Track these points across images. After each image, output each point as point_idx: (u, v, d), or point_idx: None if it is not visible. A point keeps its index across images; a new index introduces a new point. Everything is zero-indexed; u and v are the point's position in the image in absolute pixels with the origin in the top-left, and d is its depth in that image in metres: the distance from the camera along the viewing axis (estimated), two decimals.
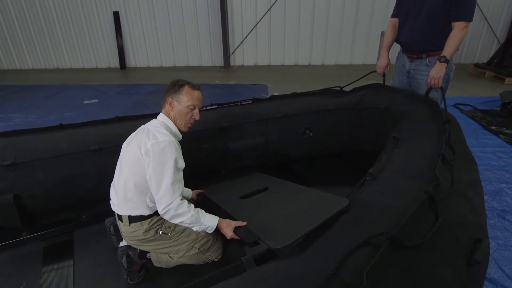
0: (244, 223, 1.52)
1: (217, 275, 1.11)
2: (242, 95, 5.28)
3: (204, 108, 2.40)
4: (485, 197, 1.89)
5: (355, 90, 2.66)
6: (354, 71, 6.63)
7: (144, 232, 1.60)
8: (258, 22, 7.04)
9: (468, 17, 2.12)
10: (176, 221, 1.50)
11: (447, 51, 2.17)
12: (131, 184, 1.55)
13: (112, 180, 1.71)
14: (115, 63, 7.58)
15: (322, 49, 7.28)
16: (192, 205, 1.54)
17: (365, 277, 0.87)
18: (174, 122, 1.69)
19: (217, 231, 1.58)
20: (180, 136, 1.72)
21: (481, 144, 3.40)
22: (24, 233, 2.00)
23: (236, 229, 1.51)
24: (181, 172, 1.57)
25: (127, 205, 1.59)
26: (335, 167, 2.88)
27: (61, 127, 2.14)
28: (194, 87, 1.69)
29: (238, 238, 1.50)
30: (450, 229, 1.20)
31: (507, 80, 5.52)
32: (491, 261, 1.89)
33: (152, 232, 1.62)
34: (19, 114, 4.68)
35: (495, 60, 6.01)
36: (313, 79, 6.25)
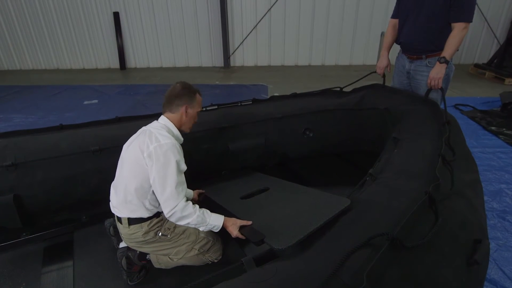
0: (250, 222, 1.52)
1: (217, 276, 1.11)
2: (242, 95, 5.28)
3: (204, 109, 2.41)
4: (485, 198, 1.90)
5: (355, 90, 2.66)
6: (354, 72, 6.63)
7: (144, 234, 1.60)
8: (258, 23, 7.04)
9: (468, 18, 2.12)
10: (182, 223, 1.51)
11: (447, 52, 2.17)
12: (132, 186, 1.55)
13: (112, 180, 1.71)
14: (115, 64, 7.58)
15: (322, 50, 7.28)
16: (197, 206, 1.54)
17: (365, 278, 0.88)
18: (180, 126, 1.70)
19: (219, 231, 1.58)
20: (182, 139, 1.72)
21: (481, 145, 3.40)
22: (24, 234, 2.00)
23: (241, 228, 1.51)
24: (183, 174, 1.58)
25: (126, 207, 1.58)
26: (335, 167, 2.88)
27: (61, 127, 2.14)
28: (200, 93, 1.76)
29: (243, 237, 1.50)
30: (450, 230, 1.20)
31: (507, 80, 5.53)
32: (491, 261, 1.89)
33: (152, 234, 1.62)
34: (19, 115, 4.68)
35: (495, 61, 6.01)
36: (313, 79, 6.26)
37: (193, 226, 1.53)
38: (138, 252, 1.73)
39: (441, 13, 2.17)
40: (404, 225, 1.09)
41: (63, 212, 2.14)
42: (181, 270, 1.76)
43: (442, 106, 2.06)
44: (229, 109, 2.45)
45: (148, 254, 1.75)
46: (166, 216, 1.51)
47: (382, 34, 6.04)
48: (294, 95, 2.72)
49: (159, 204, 1.55)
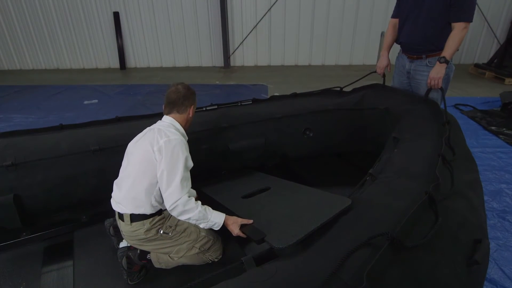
0: (251, 221, 1.53)
1: (217, 276, 1.11)
2: (242, 95, 5.28)
3: (204, 109, 2.41)
4: (485, 198, 1.90)
5: (355, 90, 2.66)
6: (354, 72, 6.63)
7: (146, 231, 1.61)
8: (258, 23, 7.04)
9: (468, 18, 2.12)
10: (183, 217, 1.52)
11: (447, 52, 2.17)
12: (140, 182, 1.57)
13: (112, 180, 1.71)
14: (115, 64, 7.58)
15: (322, 50, 7.28)
16: (200, 202, 1.55)
17: (365, 278, 0.88)
18: (184, 125, 1.76)
19: (219, 230, 1.58)
20: (186, 137, 1.76)
21: (481, 145, 3.40)
22: (24, 234, 2.00)
23: (242, 227, 1.52)
24: (189, 172, 1.61)
25: (131, 202, 1.59)
26: (335, 167, 2.88)
27: (61, 127, 2.14)
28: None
29: (244, 236, 1.51)
30: (450, 230, 1.20)
31: (507, 80, 5.53)
32: (491, 261, 1.89)
33: (153, 231, 1.63)
34: (19, 115, 4.68)
35: (495, 61, 6.01)
36: (313, 79, 6.26)
37: (194, 222, 1.53)
38: (138, 251, 1.73)
39: (441, 13, 2.17)
40: (404, 225, 1.09)
41: (63, 212, 2.14)
42: (181, 270, 1.76)
43: (442, 106, 2.06)
44: (229, 109, 2.45)
45: (149, 254, 1.75)
46: (169, 209, 1.52)
47: (382, 34, 6.04)
48: (294, 95, 2.72)
49: (163, 201, 1.56)
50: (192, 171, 1.64)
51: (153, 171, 1.55)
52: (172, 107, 1.73)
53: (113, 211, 1.70)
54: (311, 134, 2.53)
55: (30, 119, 4.51)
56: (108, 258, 1.89)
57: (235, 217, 1.56)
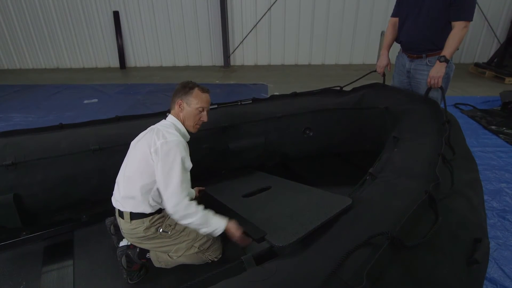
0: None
1: (217, 275, 1.11)
2: (242, 94, 5.28)
3: None
4: (485, 197, 1.90)
5: (355, 90, 2.66)
6: (354, 71, 6.63)
7: (145, 229, 1.61)
8: (258, 22, 7.03)
9: (468, 17, 2.12)
10: (185, 221, 1.52)
11: (447, 51, 2.17)
12: (137, 182, 1.56)
13: (112, 179, 1.71)
14: (115, 63, 7.58)
15: (322, 49, 7.28)
16: (202, 206, 1.55)
17: (365, 277, 0.87)
18: (183, 123, 1.72)
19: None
20: (188, 137, 1.75)
21: (481, 144, 3.40)
22: (24, 233, 2.00)
23: (242, 225, 1.52)
24: (189, 173, 1.60)
25: (129, 202, 1.59)
26: (335, 167, 2.88)
27: (61, 126, 2.14)
28: (204, 89, 1.74)
29: (244, 244, 1.53)
30: (450, 229, 1.20)
31: (507, 79, 5.52)
32: (491, 260, 1.89)
33: (153, 229, 1.63)
34: (19, 114, 4.67)
35: (495, 60, 6.00)
36: (313, 79, 6.25)
37: (195, 226, 1.53)
38: (138, 250, 1.73)
39: (441, 12, 2.16)
40: (404, 224, 1.09)
41: (63, 212, 2.14)
42: (181, 269, 1.76)
43: (442, 105, 2.06)
44: (229, 109, 2.45)
45: (148, 252, 1.75)
46: (170, 212, 1.52)
47: (382, 33, 6.03)
48: (294, 94, 2.72)
49: (162, 201, 1.56)
50: (192, 171, 1.64)
51: (149, 172, 1.54)
52: (170, 104, 1.75)
53: (113, 210, 1.70)
54: (311, 134, 2.53)
55: (30, 118, 4.51)
56: (108, 257, 1.89)
57: (236, 224, 1.56)
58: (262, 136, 2.42)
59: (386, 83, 2.60)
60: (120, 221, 1.67)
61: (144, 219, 1.61)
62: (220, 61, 7.44)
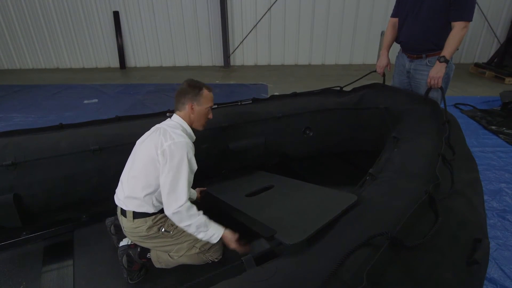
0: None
1: (217, 275, 1.11)
2: (242, 94, 5.28)
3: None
4: (485, 197, 1.89)
5: (355, 90, 2.66)
6: (354, 71, 6.63)
7: (147, 228, 1.62)
8: (258, 22, 7.03)
9: (467, 17, 2.12)
10: (183, 224, 1.52)
11: (446, 51, 2.17)
12: (141, 182, 1.57)
13: (112, 179, 1.72)
14: (115, 63, 7.58)
15: (322, 49, 7.28)
16: (201, 212, 1.56)
17: (365, 277, 0.87)
18: (191, 124, 1.73)
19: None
20: (194, 137, 1.75)
21: (481, 144, 3.40)
22: (24, 233, 2.00)
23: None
24: (193, 174, 1.60)
25: (133, 201, 1.60)
26: (335, 167, 2.87)
27: (61, 126, 2.14)
28: (209, 88, 1.75)
29: (242, 251, 1.56)
30: (450, 229, 1.20)
31: (507, 79, 5.52)
32: (491, 260, 1.89)
33: (155, 229, 1.63)
34: (19, 114, 4.67)
35: (495, 60, 6.01)
36: (313, 79, 6.25)
37: (194, 229, 1.54)
38: (139, 250, 1.73)
39: (441, 12, 2.16)
40: (404, 225, 1.09)
41: (63, 211, 2.14)
42: (181, 269, 1.76)
43: (442, 105, 2.06)
44: (229, 109, 2.45)
45: (149, 252, 1.75)
46: (170, 213, 1.51)
47: (382, 33, 6.03)
48: (294, 95, 2.72)
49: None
50: None
51: (155, 173, 1.55)
52: (176, 105, 1.73)
53: (113, 210, 1.70)
54: (311, 134, 2.53)
55: (30, 118, 4.50)
56: (108, 257, 1.89)
57: (232, 233, 1.59)
58: (262, 136, 2.42)
59: (386, 83, 2.60)
60: (122, 219, 1.67)
61: (147, 218, 1.62)
62: (220, 61, 7.44)
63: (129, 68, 7.56)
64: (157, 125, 1.70)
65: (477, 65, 6.28)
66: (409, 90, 2.51)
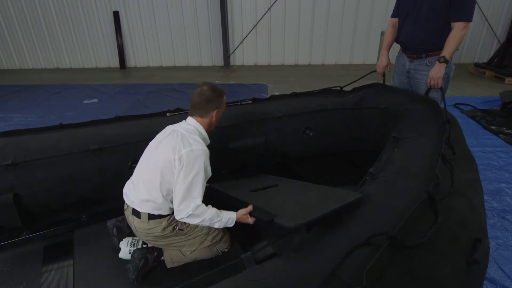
0: (250, 208, 1.55)
1: (216, 273, 1.11)
2: (242, 94, 5.28)
3: None
4: (485, 197, 1.89)
5: (355, 90, 2.66)
6: (354, 71, 6.63)
7: (163, 229, 1.63)
8: (258, 22, 7.03)
9: (467, 17, 2.12)
10: (196, 221, 1.53)
11: (446, 51, 2.17)
12: (158, 186, 1.57)
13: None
14: (115, 63, 7.58)
15: (322, 49, 7.28)
16: (209, 206, 1.57)
17: (365, 277, 0.88)
18: (208, 129, 1.74)
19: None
20: (209, 141, 1.77)
21: (481, 144, 3.40)
22: (24, 233, 2.00)
23: (251, 211, 1.54)
24: (206, 180, 1.62)
25: (149, 204, 1.60)
26: (335, 167, 2.87)
27: (61, 126, 2.14)
28: (225, 93, 1.79)
29: (251, 221, 1.57)
30: (450, 229, 1.20)
31: (507, 79, 5.52)
32: (491, 260, 1.89)
33: (170, 229, 1.65)
34: (19, 114, 4.67)
35: (495, 60, 6.00)
36: (313, 79, 6.25)
37: (208, 223, 1.54)
38: (155, 254, 1.75)
39: (441, 12, 2.16)
40: (404, 224, 1.09)
41: (63, 211, 2.14)
42: (181, 269, 1.77)
43: (442, 105, 2.06)
44: (229, 108, 2.44)
45: (162, 256, 1.76)
46: (180, 218, 1.53)
47: (382, 33, 6.03)
48: (294, 95, 2.72)
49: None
50: None
51: (172, 178, 1.55)
52: (195, 110, 1.71)
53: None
54: (311, 134, 2.53)
55: (29, 118, 4.51)
56: (108, 257, 1.89)
57: (242, 209, 1.58)
58: (262, 136, 2.42)
59: (386, 83, 2.60)
60: (134, 220, 1.67)
61: (162, 219, 1.63)
62: (220, 61, 7.44)
63: (129, 68, 7.56)
64: (172, 127, 1.68)
65: (477, 65, 6.28)
66: (409, 90, 2.51)
